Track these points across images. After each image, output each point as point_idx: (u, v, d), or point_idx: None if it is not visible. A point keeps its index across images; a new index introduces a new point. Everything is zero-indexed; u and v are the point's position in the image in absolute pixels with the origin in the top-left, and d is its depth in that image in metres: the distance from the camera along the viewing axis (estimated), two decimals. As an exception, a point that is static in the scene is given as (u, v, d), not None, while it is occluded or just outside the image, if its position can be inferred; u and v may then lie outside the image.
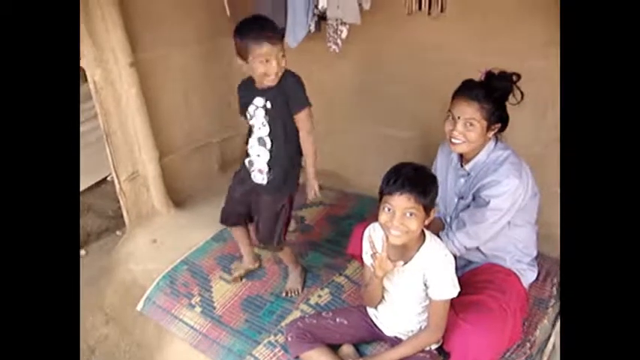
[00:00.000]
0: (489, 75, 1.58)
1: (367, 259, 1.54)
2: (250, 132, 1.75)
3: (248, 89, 1.70)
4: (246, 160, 1.78)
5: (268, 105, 1.64)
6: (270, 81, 1.60)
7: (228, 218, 1.94)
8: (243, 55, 1.58)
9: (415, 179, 1.33)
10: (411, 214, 1.32)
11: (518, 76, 1.57)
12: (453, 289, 1.42)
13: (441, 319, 1.45)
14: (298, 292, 1.97)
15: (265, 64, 1.55)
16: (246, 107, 1.70)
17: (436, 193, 1.38)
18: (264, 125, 1.67)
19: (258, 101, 1.66)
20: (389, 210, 1.34)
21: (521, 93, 1.58)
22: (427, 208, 1.34)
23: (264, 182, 1.74)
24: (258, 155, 1.72)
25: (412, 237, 1.38)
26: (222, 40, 2.54)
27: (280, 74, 1.59)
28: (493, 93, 1.55)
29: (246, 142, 1.78)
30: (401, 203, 1.32)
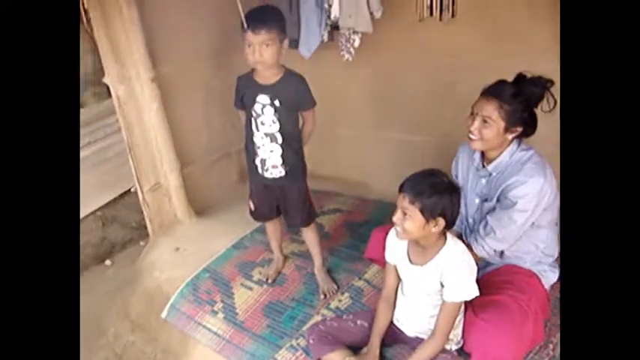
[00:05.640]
0: (520, 77, 1.55)
1: (389, 257, 1.59)
2: (250, 129, 1.79)
3: (248, 83, 1.76)
4: (257, 161, 1.83)
5: (277, 103, 1.71)
6: (262, 68, 1.66)
7: (261, 217, 2.07)
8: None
9: (415, 182, 1.39)
10: (405, 214, 1.39)
11: (552, 83, 1.52)
12: (466, 293, 1.43)
13: (448, 323, 1.46)
14: (335, 291, 2.00)
15: (249, 50, 1.62)
16: (247, 101, 1.76)
17: (444, 206, 1.36)
18: (275, 122, 1.74)
19: (264, 99, 1.72)
20: (396, 208, 1.42)
21: (555, 100, 1.52)
22: (424, 214, 1.35)
23: (284, 174, 1.82)
24: (272, 151, 1.79)
25: (410, 237, 1.44)
26: (235, 53, 2.61)
27: (270, 64, 1.65)
28: (519, 96, 1.52)
29: (247, 142, 1.85)
30: (399, 202, 1.40)
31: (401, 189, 1.41)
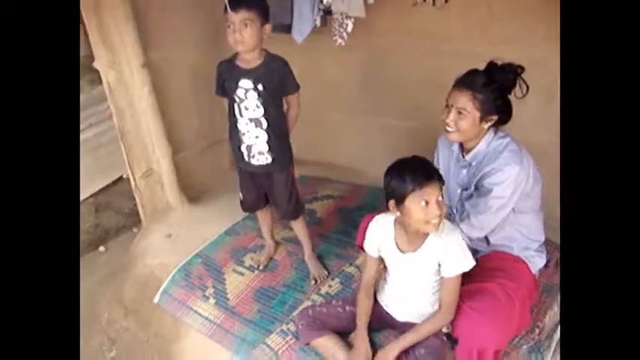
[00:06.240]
0: (491, 65, 1.55)
1: (369, 247, 1.58)
2: (234, 116, 1.77)
3: (230, 68, 1.74)
4: (243, 147, 1.81)
5: (260, 87, 1.69)
6: (242, 49, 1.65)
7: (251, 208, 2.07)
8: None
9: (432, 168, 1.42)
10: (441, 199, 1.38)
11: (522, 69, 1.54)
12: (464, 264, 1.45)
13: (453, 297, 1.48)
14: (325, 276, 2.02)
15: (229, 30, 1.62)
16: (229, 86, 1.74)
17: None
18: (259, 107, 1.72)
19: (246, 83, 1.70)
20: (426, 203, 1.36)
21: (527, 86, 1.54)
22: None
23: (270, 161, 1.80)
24: (257, 137, 1.77)
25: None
26: (225, 40, 2.58)
27: (250, 45, 1.64)
28: (491, 84, 1.53)
29: (230, 130, 1.83)
30: (435, 191, 1.36)
31: (428, 180, 1.35)
